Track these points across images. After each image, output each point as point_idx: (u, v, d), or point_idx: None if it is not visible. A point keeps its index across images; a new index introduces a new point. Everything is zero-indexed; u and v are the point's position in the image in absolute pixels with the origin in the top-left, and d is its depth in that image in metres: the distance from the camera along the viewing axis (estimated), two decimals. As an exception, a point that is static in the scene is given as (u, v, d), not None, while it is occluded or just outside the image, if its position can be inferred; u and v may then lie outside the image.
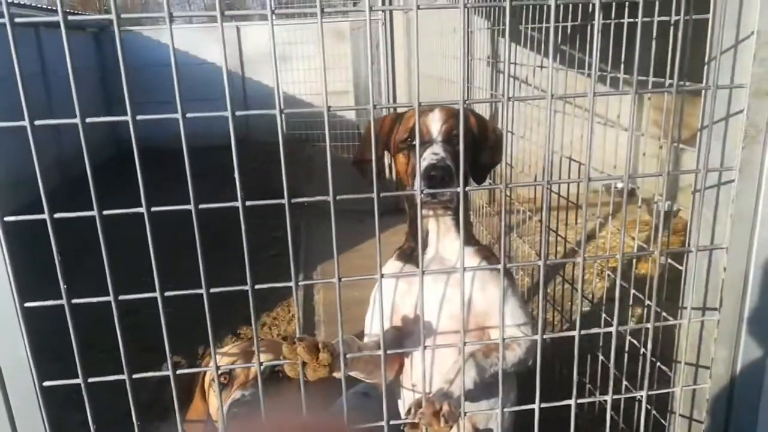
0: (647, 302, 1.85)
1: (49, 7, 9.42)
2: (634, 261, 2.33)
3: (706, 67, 1.33)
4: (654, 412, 1.79)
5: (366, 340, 1.55)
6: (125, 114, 0.98)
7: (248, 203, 1.06)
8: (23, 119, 0.95)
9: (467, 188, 1.09)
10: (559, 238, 2.69)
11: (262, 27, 10.54)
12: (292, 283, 1.11)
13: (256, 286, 1.09)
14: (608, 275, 2.50)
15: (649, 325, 1.25)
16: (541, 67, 2.41)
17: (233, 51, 10.98)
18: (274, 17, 1.02)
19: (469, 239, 1.61)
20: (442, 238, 1.55)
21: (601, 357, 2.13)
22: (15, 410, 1.12)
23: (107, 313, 1.05)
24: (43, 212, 1.00)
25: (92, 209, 1.00)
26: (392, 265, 1.60)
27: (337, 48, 9.42)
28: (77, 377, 1.08)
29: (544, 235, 1.09)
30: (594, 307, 2.72)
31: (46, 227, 1.01)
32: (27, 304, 1.05)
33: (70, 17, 0.97)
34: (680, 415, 1.48)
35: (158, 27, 10.77)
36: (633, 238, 2.10)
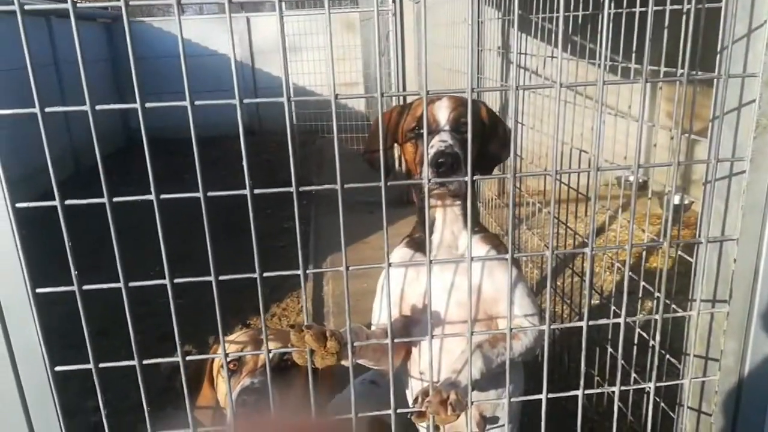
0: (657, 294, 1.84)
1: (62, -1, 9.44)
2: (644, 254, 2.31)
3: (718, 56, 1.32)
4: (663, 404, 1.78)
5: (373, 328, 1.55)
6: (137, 104, 0.99)
7: (256, 191, 1.07)
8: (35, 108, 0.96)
9: (474, 177, 1.08)
10: (569, 230, 2.68)
11: (273, 18, 10.54)
12: (300, 272, 1.12)
13: (265, 274, 1.10)
14: (618, 268, 2.49)
15: (657, 317, 1.24)
16: (552, 57, 2.40)
17: (243, 42, 10.99)
18: (283, 5, 1.02)
19: (476, 227, 1.61)
20: (450, 227, 1.55)
21: (609, 349, 2.12)
22: (28, 395, 1.14)
23: (121, 301, 1.06)
24: (54, 207, 1.01)
25: (101, 205, 1.01)
26: (400, 253, 1.61)
27: (348, 39, 9.39)
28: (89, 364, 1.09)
29: (552, 225, 1.09)
30: (604, 301, 2.71)
31: (64, 217, 1.02)
32: (39, 290, 1.06)
33: (79, 4, 0.97)
34: (689, 407, 1.48)
35: (169, 18, 10.80)
36: (643, 231, 2.08)
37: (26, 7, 0.94)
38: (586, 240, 2.83)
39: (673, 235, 2.87)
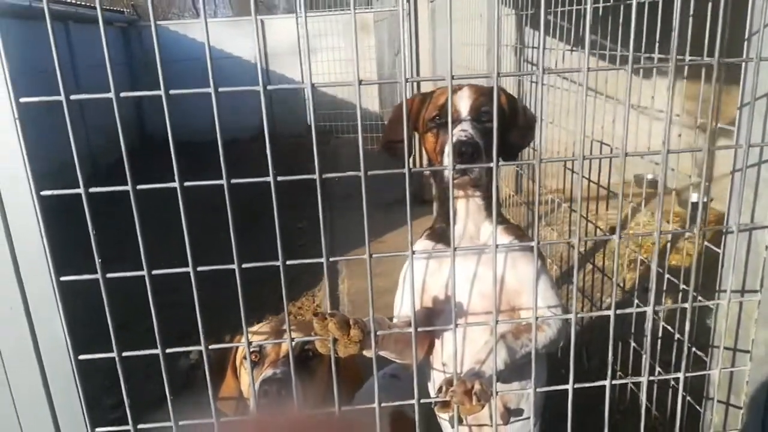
0: (682, 286, 1.81)
1: (78, 2, 9.54)
2: (669, 248, 2.28)
3: (746, 42, 1.30)
4: (689, 398, 1.75)
5: (395, 320, 1.54)
6: (154, 107, 1.00)
7: (280, 178, 1.06)
8: (60, 114, 0.97)
9: (501, 163, 1.07)
10: (589, 224, 2.65)
11: (286, 20, 10.57)
12: (323, 259, 1.11)
13: (288, 262, 1.09)
14: (641, 261, 2.46)
15: (687, 305, 1.21)
16: (571, 50, 2.37)
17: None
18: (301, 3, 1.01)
19: (499, 218, 1.59)
20: (472, 217, 1.53)
21: (633, 344, 2.09)
22: (51, 383, 1.14)
23: (141, 295, 1.06)
24: (79, 200, 1.01)
25: (122, 200, 1.01)
26: (422, 245, 1.59)
27: (361, 39, 9.40)
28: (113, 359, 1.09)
29: (579, 210, 1.07)
30: (626, 295, 2.67)
31: (89, 205, 1.03)
32: (63, 278, 1.06)
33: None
34: (718, 401, 1.45)
35: (186, 21, 10.89)
36: (668, 221, 2.05)
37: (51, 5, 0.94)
38: (607, 234, 2.80)
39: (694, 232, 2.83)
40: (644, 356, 1.31)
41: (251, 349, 1.38)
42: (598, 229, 2.56)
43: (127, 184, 1.01)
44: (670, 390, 1.83)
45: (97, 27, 0.93)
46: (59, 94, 0.97)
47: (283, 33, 10.78)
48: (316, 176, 1.06)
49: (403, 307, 1.56)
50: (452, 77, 1.03)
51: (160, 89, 1.01)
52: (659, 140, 1.21)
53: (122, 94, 0.99)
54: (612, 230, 3.51)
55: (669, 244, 3.18)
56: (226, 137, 1.03)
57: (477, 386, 1.17)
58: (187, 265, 1.07)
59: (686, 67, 1.96)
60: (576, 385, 1.21)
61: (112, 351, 1.10)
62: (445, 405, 1.20)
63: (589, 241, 2.82)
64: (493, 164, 1.06)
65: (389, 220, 4.19)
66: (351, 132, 8.87)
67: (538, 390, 1.21)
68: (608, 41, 2.24)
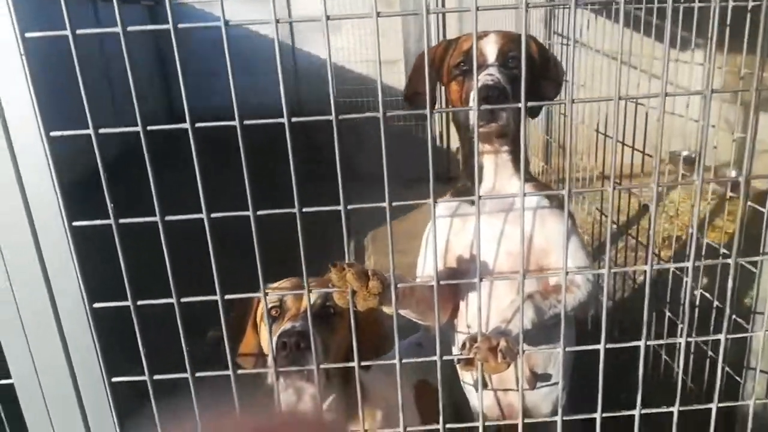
0: (723, 251, 1.72)
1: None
2: (706, 224, 2.17)
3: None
4: (727, 369, 1.67)
5: (418, 280, 1.48)
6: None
7: (294, 120, 1.02)
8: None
9: (530, 104, 1.00)
10: (622, 201, 2.55)
11: (313, -1, 10.46)
12: (341, 207, 1.07)
13: (304, 210, 1.05)
14: (678, 237, 2.36)
15: (730, 261, 1.13)
16: (615, 4, 2.24)
17: (284, 22, 10.94)
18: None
19: (527, 175, 1.51)
20: (499, 173, 1.46)
21: (668, 314, 2.00)
22: (67, 333, 1.12)
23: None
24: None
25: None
26: (446, 204, 1.53)
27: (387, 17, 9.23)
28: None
29: (615, 149, 1.00)
30: (662, 261, 2.58)
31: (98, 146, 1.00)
32: (75, 223, 1.04)
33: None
34: (761, 371, 1.38)
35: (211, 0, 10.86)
36: (705, 200, 1.95)
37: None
38: (647, 203, 2.70)
39: (730, 210, 2.70)
40: (680, 324, 1.24)
41: (272, 304, 1.35)
42: (632, 200, 2.46)
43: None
44: (708, 361, 1.75)
45: (125, 6, 0.90)
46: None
47: (307, 9, 10.65)
48: (332, 117, 1.02)
49: (426, 267, 1.50)
50: (477, 8, 0.96)
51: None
52: (695, 113, 1.13)
53: (130, 28, 0.96)
54: (646, 207, 3.39)
55: (706, 221, 3.05)
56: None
57: (502, 343, 1.12)
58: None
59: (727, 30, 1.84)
60: (608, 345, 1.14)
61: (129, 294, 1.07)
62: (469, 363, 1.15)
63: (620, 220, 2.71)
64: (521, 104, 1.00)
65: (410, 198, 4.13)
66: (377, 108, 8.75)
67: (567, 350, 1.14)
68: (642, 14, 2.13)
